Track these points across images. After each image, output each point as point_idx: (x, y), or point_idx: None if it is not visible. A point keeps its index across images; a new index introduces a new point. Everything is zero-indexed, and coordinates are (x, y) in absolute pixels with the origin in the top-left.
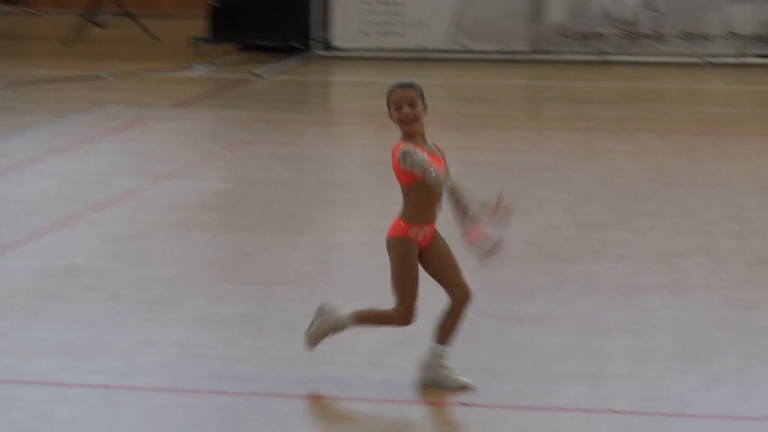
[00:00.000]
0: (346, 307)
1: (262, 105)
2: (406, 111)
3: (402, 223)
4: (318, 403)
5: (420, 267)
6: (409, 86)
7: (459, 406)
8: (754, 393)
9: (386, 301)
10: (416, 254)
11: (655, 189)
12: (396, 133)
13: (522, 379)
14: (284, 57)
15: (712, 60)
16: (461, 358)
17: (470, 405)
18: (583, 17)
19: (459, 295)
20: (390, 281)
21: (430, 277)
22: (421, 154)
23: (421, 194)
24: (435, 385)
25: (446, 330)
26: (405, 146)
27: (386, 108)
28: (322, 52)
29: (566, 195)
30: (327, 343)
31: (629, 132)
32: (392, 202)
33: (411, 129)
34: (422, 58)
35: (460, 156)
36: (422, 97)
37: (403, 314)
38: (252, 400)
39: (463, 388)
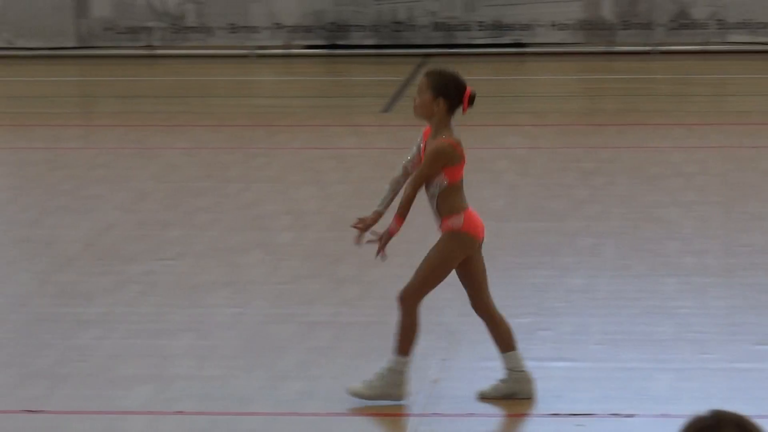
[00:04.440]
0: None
1: None
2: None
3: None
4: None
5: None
6: (424, 74)
7: (24, 413)
8: (318, 388)
9: None
10: None
11: (212, 184)
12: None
13: (87, 382)
14: None
15: (259, 52)
16: (23, 364)
17: (37, 411)
18: (130, 11)
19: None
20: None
21: None
22: None
23: None
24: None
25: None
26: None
27: None
28: None
29: (122, 193)
30: None
31: (181, 126)
32: None
33: (420, 118)
34: None
35: (11, 155)
36: (433, 87)
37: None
38: None
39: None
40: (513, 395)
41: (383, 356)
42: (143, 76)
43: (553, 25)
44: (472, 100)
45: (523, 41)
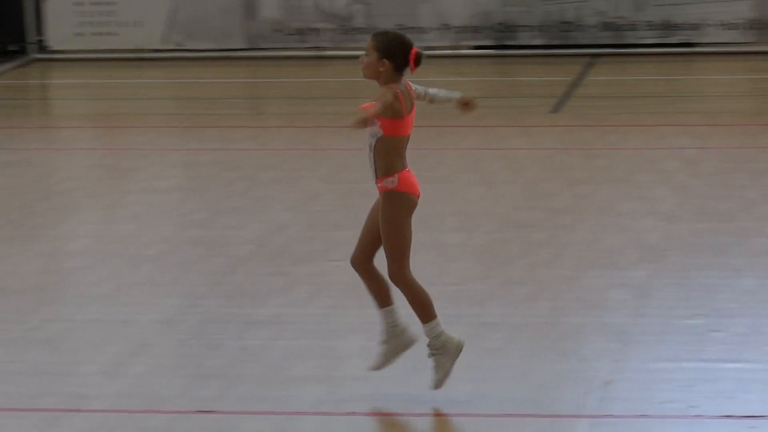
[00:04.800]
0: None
1: None
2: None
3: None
4: (55, 416)
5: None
6: (371, 37)
7: (197, 413)
8: (488, 389)
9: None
10: None
11: None
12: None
13: (259, 383)
14: None
15: (428, 53)
16: (197, 365)
17: (209, 412)
18: (298, 12)
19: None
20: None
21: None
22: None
23: None
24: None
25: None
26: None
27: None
28: (38, 55)
29: (293, 194)
30: (57, 355)
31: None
32: (120, 206)
33: (369, 79)
34: (139, 58)
35: (183, 157)
36: (378, 48)
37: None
38: None
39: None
40: (398, 352)
41: (554, 358)
42: (311, 77)
43: (723, 25)
44: (418, 59)
45: (692, 41)
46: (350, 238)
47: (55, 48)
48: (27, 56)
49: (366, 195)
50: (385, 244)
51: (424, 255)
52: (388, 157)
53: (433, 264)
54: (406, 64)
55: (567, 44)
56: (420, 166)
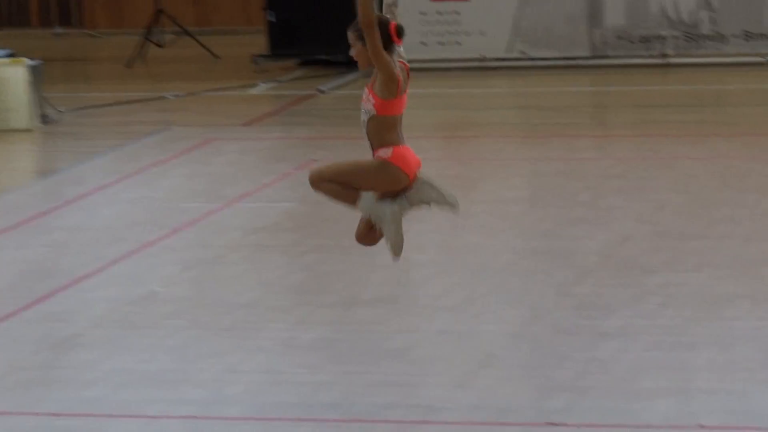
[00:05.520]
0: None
1: (328, 121)
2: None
3: None
4: (405, 428)
5: None
6: (347, 30)
7: (547, 426)
8: None
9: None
10: None
11: (729, 195)
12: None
13: (608, 395)
14: (345, 71)
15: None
16: (545, 377)
17: (559, 424)
18: (643, 20)
19: None
20: None
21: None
22: None
23: None
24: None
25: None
26: None
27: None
28: None
29: (639, 203)
30: (406, 366)
31: (697, 136)
32: (467, 216)
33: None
34: (482, 66)
35: (527, 167)
36: (359, 37)
37: None
38: (339, 427)
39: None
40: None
41: None
42: (656, 84)
43: None
44: (399, 31)
45: None
46: (699, 249)
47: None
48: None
49: (715, 204)
50: (340, 165)
51: None
52: (381, 133)
53: None
54: (389, 39)
55: None
56: None
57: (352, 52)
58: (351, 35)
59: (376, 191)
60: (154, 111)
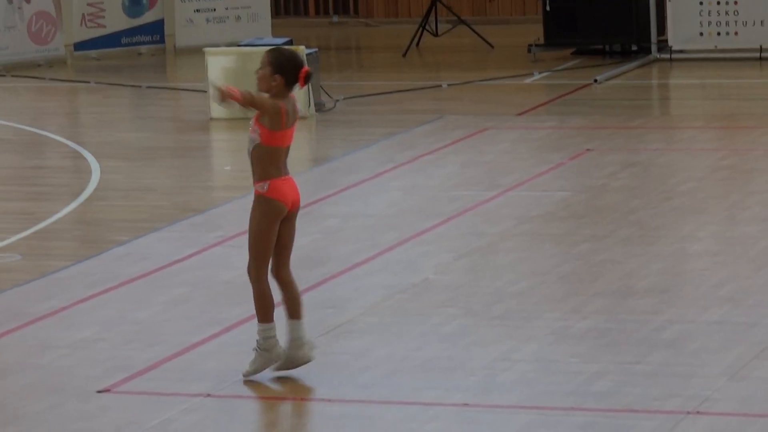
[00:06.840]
0: None
1: (602, 111)
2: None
3: None
4: (678, 418)
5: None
6: (266, 51)
7: None
8: None
9: None
10: None
11: None
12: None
13: None
14: (619, 60)
15: None
16: None
17: None
18: None
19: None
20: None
21: None
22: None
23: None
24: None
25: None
26: None
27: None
28: (657, 55)
29: None
30: (680, 357)
31: None
32: (743, 208)
33: (262, 91)
34: (761, 57)
35: None
36: (272, 63)
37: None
38: (612, 417)
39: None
40: (294, 363)
41: None
42: None
43: None
44: (307, 78)
45: None
46: None
47: (677, 48)
48: (649, 56)
49: None
50: (249, 241)
51: None
52: (263, 163)
53: None
54: (296, 81)
55: None
56: None
57: (259, 74)
58: (265, 58)
59: (269, 229)
60: (429, 100)
